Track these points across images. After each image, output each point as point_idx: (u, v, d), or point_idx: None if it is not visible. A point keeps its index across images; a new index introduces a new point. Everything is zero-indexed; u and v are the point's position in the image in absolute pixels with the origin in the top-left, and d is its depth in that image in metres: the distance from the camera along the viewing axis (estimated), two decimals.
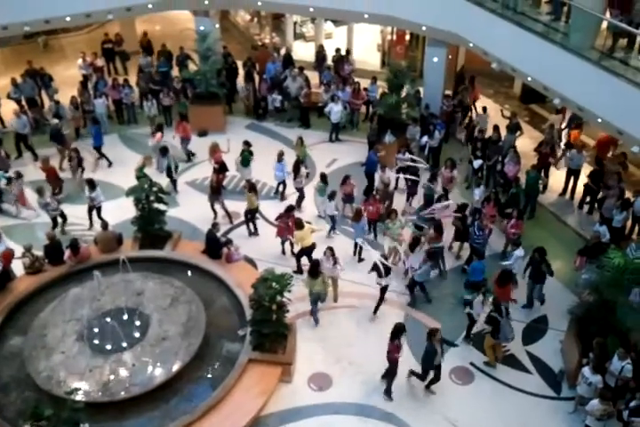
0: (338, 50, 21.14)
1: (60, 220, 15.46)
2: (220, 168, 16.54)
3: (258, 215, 15.38)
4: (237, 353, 11.64)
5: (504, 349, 12.50)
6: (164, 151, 16.70)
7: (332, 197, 14.99)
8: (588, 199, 16.03)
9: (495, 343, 12.07)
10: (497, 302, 12.06)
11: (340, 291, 13.60)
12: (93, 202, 15.26)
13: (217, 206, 15.73)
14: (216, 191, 15.54)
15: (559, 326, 12.85)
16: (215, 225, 13.94)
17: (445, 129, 17.67)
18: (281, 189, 16.79)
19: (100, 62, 21.39)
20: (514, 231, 14.04)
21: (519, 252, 13.28)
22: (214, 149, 16.73)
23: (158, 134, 17.55)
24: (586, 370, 10.87)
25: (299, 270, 14.15)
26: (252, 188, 15.12)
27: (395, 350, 11.30)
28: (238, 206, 15.77)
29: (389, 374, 11.62)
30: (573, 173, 16.21)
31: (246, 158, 16.48)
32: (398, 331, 11.30)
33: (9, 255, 13.30)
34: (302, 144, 16.89)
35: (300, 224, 13.83)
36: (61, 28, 23.18)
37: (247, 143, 16.61)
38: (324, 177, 15.59)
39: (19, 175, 15.85)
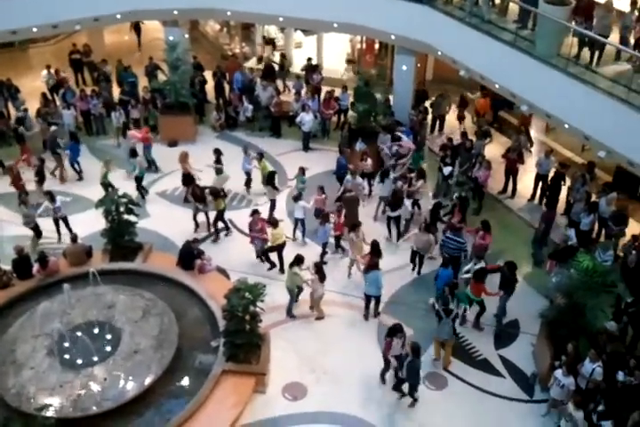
0: (309, 59, 21.26)
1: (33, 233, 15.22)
2: (185, 179, 16.60)
3: (230, 225, 15.29)
4: (211, 365, 11.52)
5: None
6: (133, 153, 16.75)
7: (297, 198, 15.08)
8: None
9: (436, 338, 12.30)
10: (445, 301, 12.21)
11: None
12: (57, 213, 15.08)
13: (198, 217, 15.69)
14: (199, 200, 15.46)
15: (530, 330, 12.95)
16: (195, 241, 13.85)
17: (414, 137, 17.77)
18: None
19: (65, 74, 21.02)
20: (482, 242, 14.01)
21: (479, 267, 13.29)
22: (184, 159, 16.67)
23: (131, 131, 17.52)
24: (558, 372, 10.98)
25: (272, 265, 14.47)
26: (212, 193, 15.19)
27: (387, 347, 11.51)
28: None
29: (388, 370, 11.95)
30: (542, 178, 16.39)
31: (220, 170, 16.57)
32: (393, 330, 11.45)
33: None
34: (262, 159, 16.59)
35: (275, 223, 14.10)
36: (28, 39, 22.97)
37: (217, 151, 16.71)
38: (302, 169, 15.97)
39: None
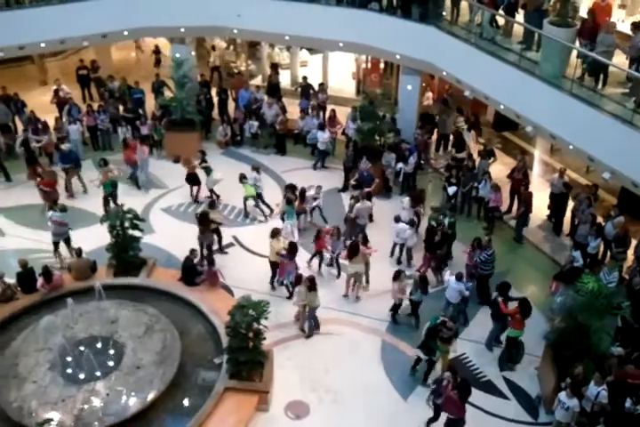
0: (305, 78, 21.41)
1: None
2: (189, 179, 17.10)
3: (234, 242, 15.34)
4: (213, 381, 11.45)
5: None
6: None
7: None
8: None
9: None
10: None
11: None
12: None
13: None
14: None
15: (535, 352, 12.86)
16: (193, 251, 13.81)
17: (418, 156, 17.86)
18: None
19: (63, 93, 20.80)
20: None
21: (454, 280, 13.20)
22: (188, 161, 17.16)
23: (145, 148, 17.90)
24: (562, 395, 10.88)
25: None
26: (211, 205, 15.30)
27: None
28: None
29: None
30: (555, 197, 16.35)
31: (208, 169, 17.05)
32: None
33: None
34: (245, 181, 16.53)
35: (274, 233, 14.07)
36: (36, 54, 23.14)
37: (202, 152, 17.32)
38: (289, 201, 15.68)
39: None
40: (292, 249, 13.93)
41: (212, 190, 17.23)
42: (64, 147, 17.38)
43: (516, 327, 12.47)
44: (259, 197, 16.83)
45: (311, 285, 12.94)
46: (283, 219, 15.66)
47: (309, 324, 13.29)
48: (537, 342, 12.80)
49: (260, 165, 17.89)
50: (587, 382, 10.91)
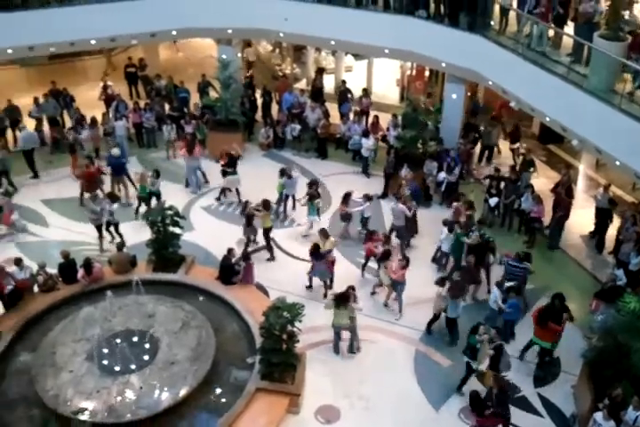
0: (343, 82, 21.46)
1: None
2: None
3: (273, 244, 15.36)
4: (245, 381, 11.49)
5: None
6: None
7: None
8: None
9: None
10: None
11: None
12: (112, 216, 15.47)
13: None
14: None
15: (572, 370, 12.64)
16: (231, 251, 13.89)
17: (461, 166, 17.73)
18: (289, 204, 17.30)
19: (111, 90, 21.17)
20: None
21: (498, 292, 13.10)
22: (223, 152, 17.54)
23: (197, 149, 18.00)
24: (598, 415, 10.63)
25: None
26: (265, 205, 15.23)
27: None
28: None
29: None
30: (599, 211, 16.13)
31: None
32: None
33: (26, 284, 13.18)
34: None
35: (325, 234, 14.35)
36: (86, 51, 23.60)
37: (229, 155, 17.53)
38: (312, 196, 15.86)
39: (6, 193, 16.30)
40: (314, 250, 14.04)
41: (223, 190, 17.55)
42: (113, 151, 17.26)
43: (535, 333, 12.48)
44: (286, 198, 17.04)
45: (335, 299, 12.70)
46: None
47: (334, 340, 13.08)
48: (574, 361, 12.56)
49: (300, 168, 17.99)
50: (625, 404, 10.67)
